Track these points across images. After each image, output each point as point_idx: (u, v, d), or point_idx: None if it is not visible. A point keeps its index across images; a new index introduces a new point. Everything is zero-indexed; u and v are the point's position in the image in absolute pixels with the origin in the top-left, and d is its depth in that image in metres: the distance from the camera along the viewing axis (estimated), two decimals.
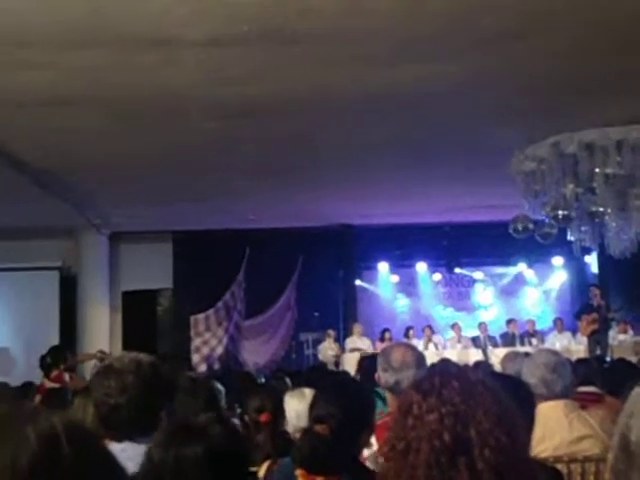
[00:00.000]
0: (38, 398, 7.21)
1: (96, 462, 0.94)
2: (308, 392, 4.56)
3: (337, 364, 14.14)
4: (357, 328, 14.94)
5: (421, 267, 16.41)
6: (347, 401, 2.94)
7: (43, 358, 9.92)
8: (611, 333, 13.87)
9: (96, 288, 15.12)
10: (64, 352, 10.35)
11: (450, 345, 14.73)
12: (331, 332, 14.95)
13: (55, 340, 14.05)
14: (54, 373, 9.58)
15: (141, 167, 10.26)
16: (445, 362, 6.59)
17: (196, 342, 15.33)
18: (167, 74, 6.90)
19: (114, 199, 12.33)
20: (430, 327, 15.08)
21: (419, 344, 13.18)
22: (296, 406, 4.36)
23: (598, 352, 12.91)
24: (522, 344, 14.01)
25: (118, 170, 10.37)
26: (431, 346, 14.21)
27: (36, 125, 8.29)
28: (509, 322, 15.11)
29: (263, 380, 10.15)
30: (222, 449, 2.10)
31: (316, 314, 15.36)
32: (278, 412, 4.28)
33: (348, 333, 15.14)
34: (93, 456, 0.95)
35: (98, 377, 2.91)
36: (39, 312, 14.80)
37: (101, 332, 14.94)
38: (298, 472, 2.76)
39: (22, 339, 14.76)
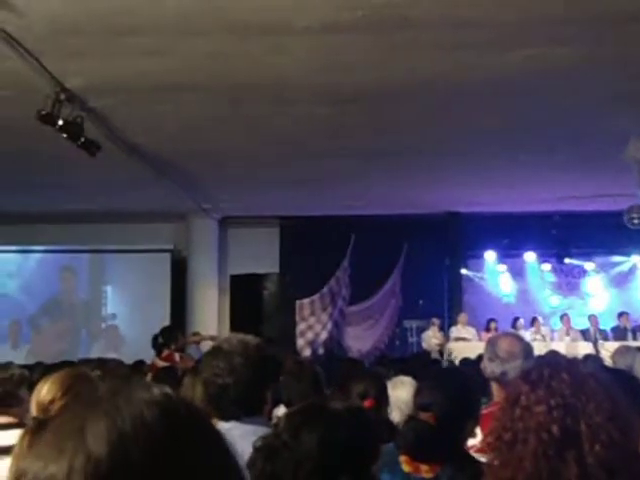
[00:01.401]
0: (149, 376, 7.43)
1: (206, 438, 0.97)
2: (407, 380, 4.56)
3: (441, 353, 14.04)
4: (462, 317, 14.79)
5: (530, 257, 16.07)
6: (452, 390, 2.93)
7: (155, 338, 10.21)
8: None
9: (205, 271, 15.46)
10: (175, 332, 10.62)
11: (558, 337, 14.38)
12: (435, 320, 14.85)
13: (166, 320, 14.49)
14: (165, 352, 9.85)
15: (253, 153, 10.42)
16: (553, 354, 6.45)
17: (301, 326, 15.50)
18: (279, 61, 6.97)
19: (225, 184, 12.56)
20: (537, 318, 14.78)
21: (526, 335, 12.92)
22: (397, 394, 4.36)
23: None
24: (634, 338, 13.55)
25: (230, 156, 10.56)
26: (538, 337, 13.92)
27: (151, 112, 8.53)
28: (620, 315, 14.63)
29: (367, 366, 10.17)
30: (355, 437, 2.08)
31: (421, 302, 15.28)
32: (382, 398, 4.28)
33: (453, 322, 15.00)
34: (204, 432, 0.98)
35: (207, 358, 2.99)
36: (151, 293, 15.27)
37: (209, 314, 15.29)
38: (402, 458, 2.77)
39: (134, 318, 15.29)
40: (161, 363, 9.50)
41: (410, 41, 6.56)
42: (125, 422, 0.91)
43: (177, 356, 9.86)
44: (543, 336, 14.19)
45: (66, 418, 0.94)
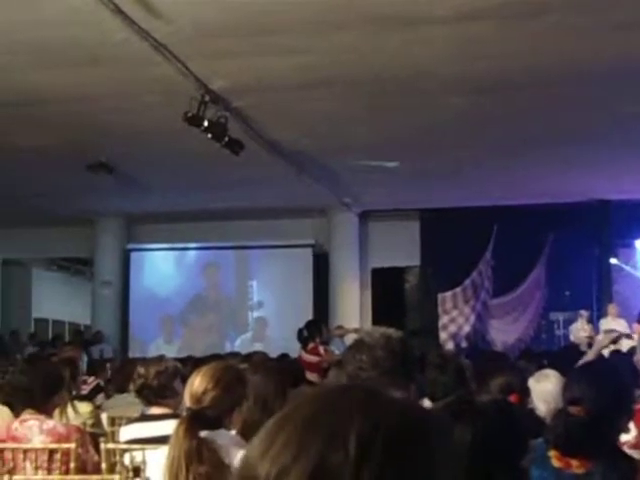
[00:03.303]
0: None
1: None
2: (552, 373, 4.45)
3: (590, 346, 13.58)
4: (612, 309, 14.22)
5: None
6: (603, 383, 2.83)
7: (300, 331, 10.37)
8: None
9: (347, 265, 15.58)
10: (320, 325, 10.75)
11: None
12: (584, 312, 14.36)
13: (309, 314, 14.73)
14: (310, 345, 9.99)
15: (393, 146, 10.41)
16: None
17: (443, 320, 15.37)
18: (417, 52, 6.95)
19: (365, 178, 12.61)
20: None
21: None
22: (542, 387, 4.27)
23: None
24: None
25: (371, 150, 10.59)
26: None
27: (292, 109, 8.68)
28: None
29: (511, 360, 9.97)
30: (505, 432, 2.06)
31: (567, 293, 14.83)
32: (525, 392, 4.22)
33: (602, 314, 14.47)
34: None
35: (351, 351, 3.01)
36: (294, 287, 15.54)
37: (352, 307, 15.39)
38: (552, 453, 2.70)
39: (278, 312, 15.61)
40: (307, 356, 9.65)
41: (549, 26, 6.38)
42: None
43: (322, 349, 9.98)
44: None
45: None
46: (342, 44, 6.71)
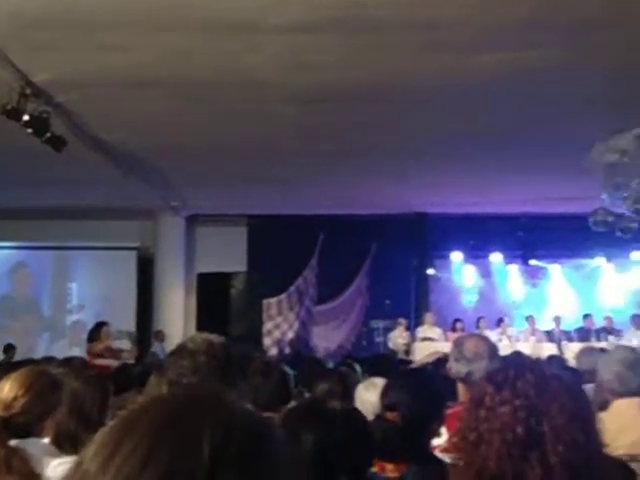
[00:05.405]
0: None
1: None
2: (379, 382, 4.55)
3: (407, 353, 14.10)
4: (429, 317, 14.85)
5: (496, 258, 16.20)
6: (418, 390, 2.94)
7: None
8: None
9: (172, 269, 15.38)
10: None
11: (523, 338, 14.51)
12: (402, 320, 14.90)
13: (131, 319, 14.40)
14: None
15: (220, 151, 10.37)
16: (518, 355, 6.50)
17: (268, 326, 15.47)
18: (248, 59, 6.95)
19: (192, 182, 12.50)
20: (503, 319, 14.90)
21: (491, 335, 13.01)
22: (369, 396, 4.35)
23: None
24: (598, 340, 13.70)
25: (198, 154, 10.51)
26: (504, 338, 14.03)
27: (118, 107, 8.46)
28: (586, 317, 14.80)
29: (332, 365, 10.19)
30: (351, 437, 2.08)
31: (387, 302, 15.33)
32: (347, 397, 4.28)
33: (419, 322, 15.07)
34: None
35: (171, 357, 2.97)
36: (117, 290, 15.15)
37: (176, 312, 15.21)
38: None
39: (99, 316, 15.12)
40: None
41: (380, 42, 6.58)
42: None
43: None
44: (509, 337, 14.32)
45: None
46: (169, 45, 6.61)
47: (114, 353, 9.98)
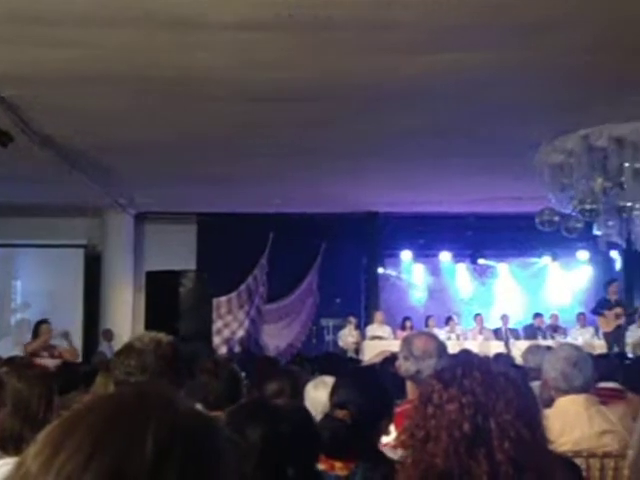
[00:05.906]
0: None
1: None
2: (329, 380, 4.54)
3: (357, 351, 14.16)
4: (378, 316, 14.93)
5: (445, 257, 16.36)
6: (367, 388, 2.95)
7: None
8: (632, 328, 13.81)
9: (120, 267, 15.21)
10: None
11: (471, 336, 14.68)
12: (352, 319, 14.95)
13: (78, 317, 14.19)
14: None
15: (169, 148, 10.28)
16: (466, 353, 6.57)
17: (218, 324, 15.38)
18: (197, 56, 6.90)
19: (141, 179, 12.38)
20: (452, 317, 15.06)
21: (440, 333, 13.14)
22: (319, 395, 4.33)
23: (616, 348, 12.86)
24: (544, 338, 13.94)
25: (146, 150, 10.40)
26: (452, 336, 14.18)
27: (65, 103, 8.34)
28: (536, 316, 14.98)
29: (282, 364, 10.17)
30: (297, 432, 2.08)
31: (338, 300, 15.37)
32: (297, 396, 4.27)
33: (369, 320, 15.15)
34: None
35: (119, 356, 2.94)
36: (63, 288, 14.92)
37: (124, 311, 15.04)
38: None
39: (45, 315, 14.86)
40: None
41: (327, 42, 6.59)
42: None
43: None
44: (457, 335, 14.47)
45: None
46: (112, 41, 6.51)
47: (52, 352, 9.81)
